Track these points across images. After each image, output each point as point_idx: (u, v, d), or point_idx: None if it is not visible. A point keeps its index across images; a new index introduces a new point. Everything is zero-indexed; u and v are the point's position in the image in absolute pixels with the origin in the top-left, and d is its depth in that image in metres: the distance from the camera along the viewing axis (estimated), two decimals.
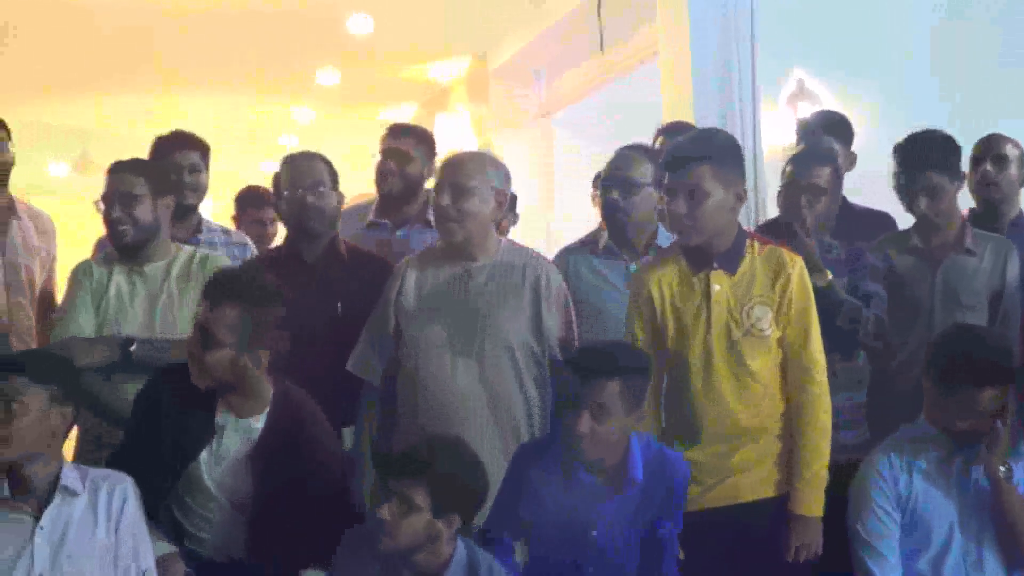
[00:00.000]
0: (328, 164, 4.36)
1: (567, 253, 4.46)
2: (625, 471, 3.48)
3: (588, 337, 4.07)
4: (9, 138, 4.79)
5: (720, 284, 3.65)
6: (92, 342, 3.87)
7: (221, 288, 3.45)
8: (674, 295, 3.69)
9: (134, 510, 3.37)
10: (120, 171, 4.03)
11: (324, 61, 9.78)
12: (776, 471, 3.68)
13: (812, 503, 3.63)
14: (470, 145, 9.65)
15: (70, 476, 3.31)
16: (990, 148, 4.65)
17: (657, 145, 4.71)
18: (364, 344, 4.07)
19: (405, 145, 5.00)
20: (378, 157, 4.98)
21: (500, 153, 8.08)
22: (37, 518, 3.26)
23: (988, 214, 4.63)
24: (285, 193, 4.29)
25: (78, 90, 10.19)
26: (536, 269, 4.02)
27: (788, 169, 4.26)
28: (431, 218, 4.34)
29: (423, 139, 5.12)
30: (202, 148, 4.83)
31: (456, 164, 3.98)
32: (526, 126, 9.03)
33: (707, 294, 3.65)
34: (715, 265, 3.65)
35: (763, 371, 3.66)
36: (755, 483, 3.67)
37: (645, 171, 4.25)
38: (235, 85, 10.26)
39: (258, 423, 3.49)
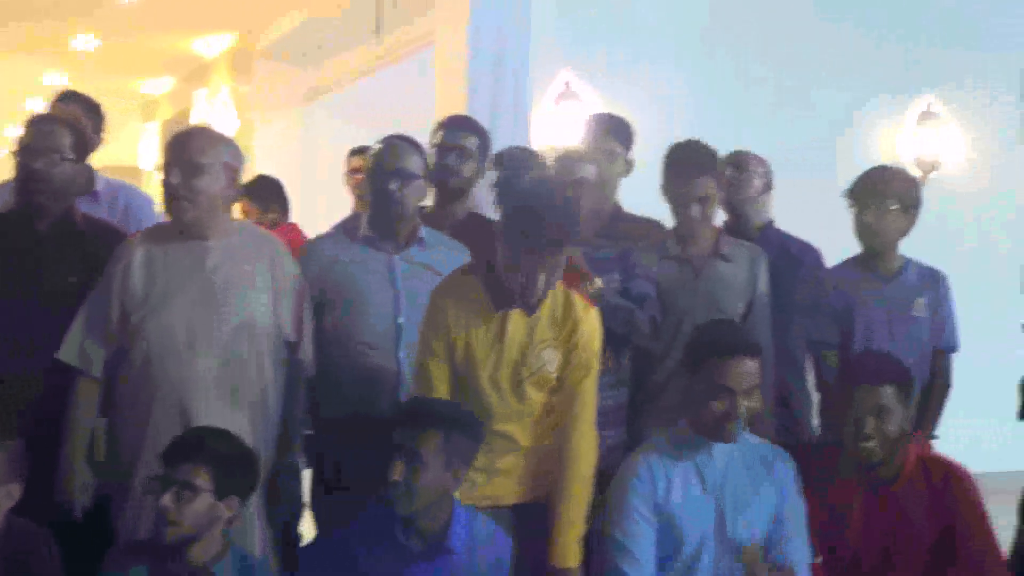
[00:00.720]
0: (74, 131, 4.06)
1: (322, 240, 4.29)
2: (444, 538, 3.40)
3: (349, 326, 4.00)
4: None
5: (516, 325, 3.58)
6: None
7: None
8: (469, 324, 3.60)
9: None
10: None
11: (82, 26, 9.35)
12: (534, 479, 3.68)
13: (571, 554, 3.60)
14: (231, 124, 9.41)
15: None
16: (734, 160, 4.75)
17: (438, 140, 4.56)
18: (80, 329, 3.79)
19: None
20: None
21: (261, 135, 7.88)
22: None
23: (738, 223, 4.77)
24: (17, 158, 3.99)
25: None
26: (271, 250, 3.91)
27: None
28: None
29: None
30: None
31: (185, 141, 3.78)
32: (292, 108, 8.83)
33: (502, 333, 3.59)
34: (515, 304, 3.58)
35: (543, 403, 3.66)
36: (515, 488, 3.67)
37: (417, 162, 4.13)
38: None
39: None
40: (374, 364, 3.96)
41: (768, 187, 4.81)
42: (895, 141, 8.56)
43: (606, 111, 5.11)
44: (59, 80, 11.01)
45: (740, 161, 4.76)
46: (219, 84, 9.86)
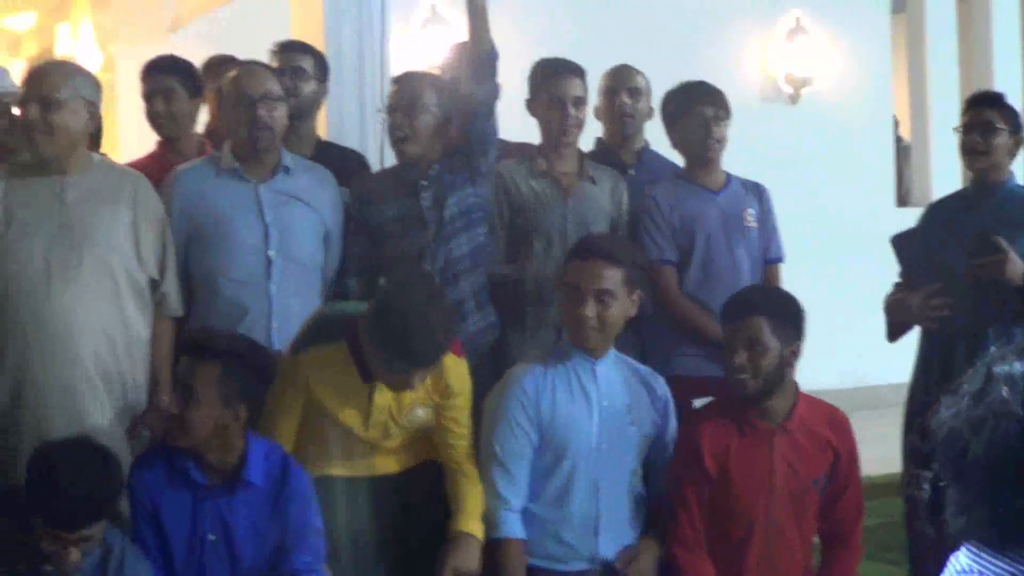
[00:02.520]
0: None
1: (186, 172, 4.10)
2: (241, 472, 3.37)
3: (217, 262, 3.93)
4: None
5: (383, 394, 3.50)
6: None
7: None
8: (335, 388, 3.50)
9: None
10: None
11: None
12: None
13: (476, 525, 3.57)
14: (94, 58, 9.14)
15: None
16: (623, 80, 4.72)
17: (275, 64, 4.42)
18: None
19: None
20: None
21: (126, 67, 7.67)
22: None
23: (617, 144, 4.76)
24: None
25: None
26: (133, 184, 3.83)
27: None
28: None
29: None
30: None
31: (42, 75, 3.72)
32: (155, 38, 8.57)
33: (369, 401, 3.50)
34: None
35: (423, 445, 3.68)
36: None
37: (278, 86, 4.02)
38: None
39: None
40: (245, 300, 3.89)
41: (652, 110, 4.76)
42: (766, 57, 8.60)
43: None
44: None
45: (633, 83, 4.71)
46: (80, 17, 9.55)
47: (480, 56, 3.97)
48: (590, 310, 3.51)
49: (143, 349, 3.77)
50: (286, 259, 3.97)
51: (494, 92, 4.03)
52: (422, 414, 3.57)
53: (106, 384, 3.66)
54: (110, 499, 3.18)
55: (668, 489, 3.66)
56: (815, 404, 3.70)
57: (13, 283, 3.63)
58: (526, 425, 3.57)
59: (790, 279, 4.41)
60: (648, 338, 4.31)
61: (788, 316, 3.61)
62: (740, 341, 3.53)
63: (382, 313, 3.31)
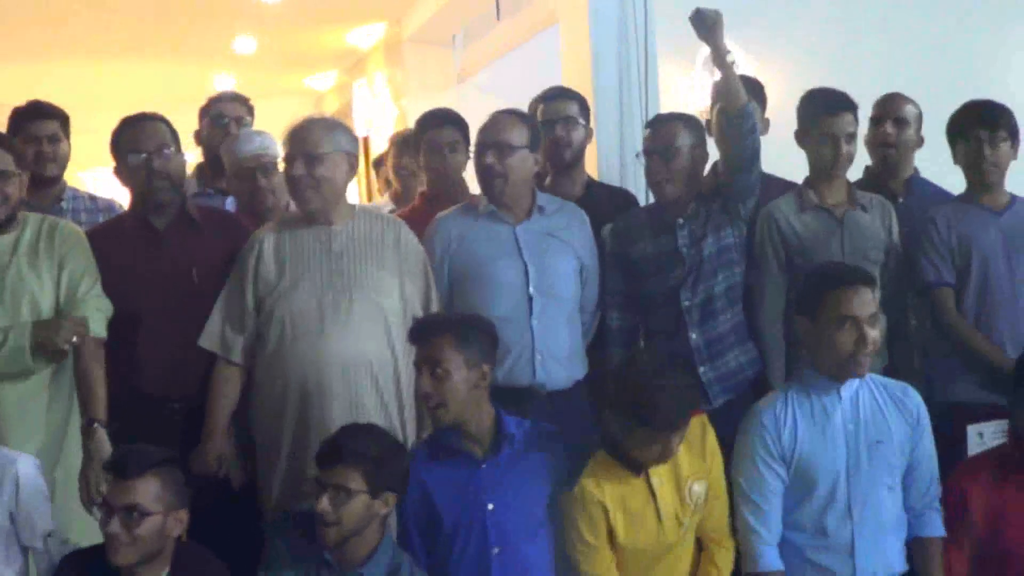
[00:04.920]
0: (169, 125, 4.18)
1: (446, 218, 4.29)
2: (500, 433, 3.52)
3: (480, 302, 4.03)
4: None
5: (661, 481, 3.54)
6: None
7: (135, 461, 3.28)
8: (621, 507, 3.53)
9: (27, 487, 3.39)
10: None
11: (239, 29, 9.62)
12: None
13: None
14: (389, 112, 9.58)
15: None
16: (890, 109, 4.66)
17: (540, 114, 4.59)
18: (218, 317, 3.97)
19: (225, 109, 5.01)
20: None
21: (414, 119, 8.00)
22: None
23: (885, 173, 4.68)
24: (128, 158, 4.10)
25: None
26: (395, 231, 4.02)
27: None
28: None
29: (245, 104, 5.14)
30: (61, 117, 4.68)
31: (305, 132, 3.91)
32: (441, 91, 8.94)
33: (652, 495, 3.53)
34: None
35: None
36: None
37: (520, 134, 4.13)
38: (156, 52, 10.11)
39: None
40: (509, 337, 3.95)
41: (921, 139, 4.71)
42: None
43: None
44: (227, 82, 11.32)
45: (900, 113, 4.65)
46: (375, 73, 10.02)
47: (736, 112, 4.00)
48: (868, 338, 3.50)
49: (409, 381, 3.91)
50: (545, 296, 4.09)
51: (756, 145, 4.07)
52: (699, 489, 3.58)
53: (384, 412, 3.85)
54: (372, 457, 3.31)
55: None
56: None
57: (289, 329, 3.85)
58: (771, 461, 3.59)
59: None
60: (927, 364, 4.25)
61: None
62: None
63: (621, 387, 3.40)
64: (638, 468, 3.50)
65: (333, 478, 3.29)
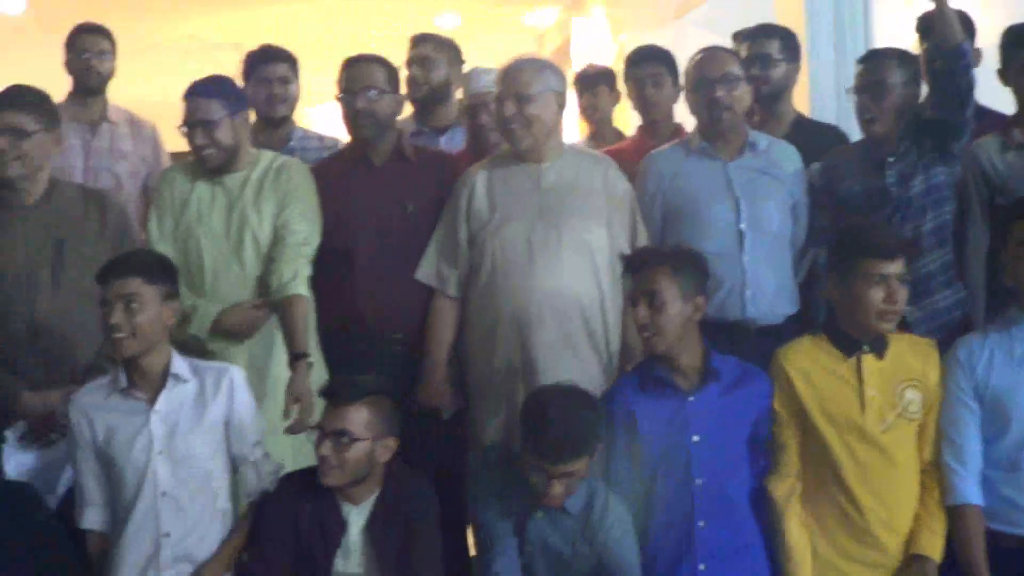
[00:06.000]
0: (385, 66, 4.33)
1: (657, 155, 4.37)
2: (707, 368, 3.58)
3: (691, 238, 4.05)
4: (113, 49, 5.09)
5: (872, 367, 3.59)
6: None
7: (347, 390, 3.48)
8: (821, 371, 3.62)
9: (241, 394, 3.60)
10: (195, 96, 4.03)
11: None
12: None
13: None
14: (608, 49, 9.59)
15: (179, 365, 3.55)
16: None
17: (744, 52, 4.62)
18: (433, 252, 4.14)
19: (425, 51, 5.08)
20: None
21: None
22: (152, 403, 3.51)
23: None
24: (341, 96, 4.29)
25: (232, 4, 10.36)
26: (603, 168, 4.13)
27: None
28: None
29: (444, 45, 5.19)
30: (290, 60, 4.90)
31: (515, 72, 4.04)
32: (660, 27, 8.91)
33: (859, 378, 3.59)
34: (864, 348, 3.60)
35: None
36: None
37: (739, 67, 4.22)
38: None
39: (370, 506, 3.51)
40: (720, 272, 3.98)
41: None
42: None
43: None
44: (451, 20, 11.50)
45: None
46: (593, 9, 10.02)
47: (950, 49, 3.94)
48: None
49: (616, 316, 4.04)
50: (756, 232, 4.13)
51: (970, 83, 4.00)
52: (911, 396, 3.60)
53: (591, 343, 3.98)
54: (590, 438, 3.39)
55: None
56: None
57: (499, 263, 4.00)
58: (964, 395, 3.58)
59: None
60: None
61: None
62: None
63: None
64: (852, 348, 3.56)
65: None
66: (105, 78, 5.12)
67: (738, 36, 4.75)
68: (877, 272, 3.50)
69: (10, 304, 3.87)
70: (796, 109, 4.79)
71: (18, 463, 3.80)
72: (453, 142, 4.99)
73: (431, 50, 5.14)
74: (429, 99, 5.06)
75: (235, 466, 3.59)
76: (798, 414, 3.61)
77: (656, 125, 4.86)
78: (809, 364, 3.62)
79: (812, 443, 3.61)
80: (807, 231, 4.28)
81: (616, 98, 5.40)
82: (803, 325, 4.09)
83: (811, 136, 4.54)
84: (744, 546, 3.60)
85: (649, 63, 4.88)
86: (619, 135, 5.35)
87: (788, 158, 4.27)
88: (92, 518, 3.57)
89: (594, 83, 5.41)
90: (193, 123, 3.99)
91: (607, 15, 9.75)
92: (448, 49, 5.21)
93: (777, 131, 4.50)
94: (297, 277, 3.93)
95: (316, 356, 3.99)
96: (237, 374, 3.62)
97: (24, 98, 3.97)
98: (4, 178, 3.90)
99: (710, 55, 4.24)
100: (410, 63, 5.06)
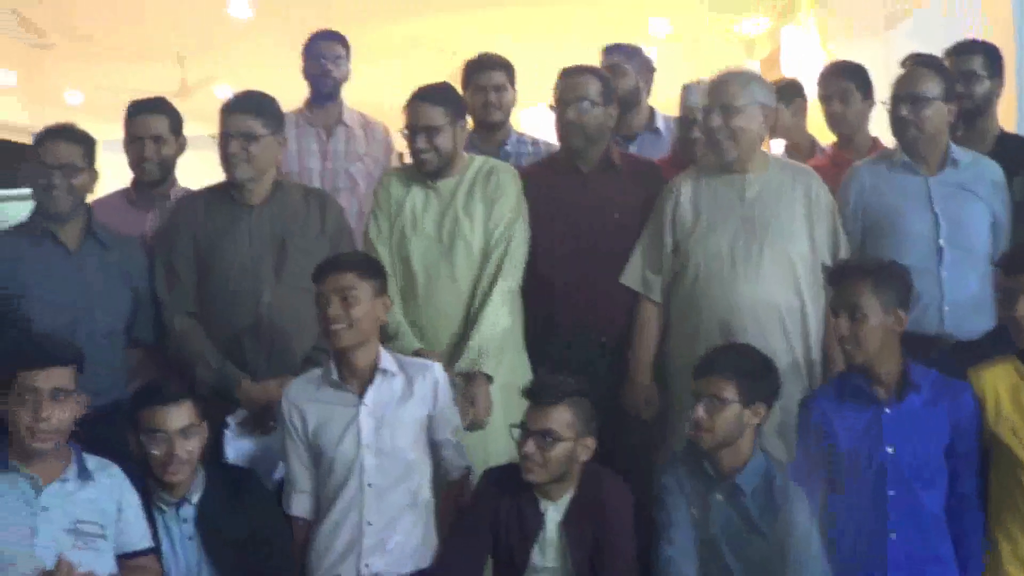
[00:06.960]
0: (600, 78, 4.43)
1: (861, 167, 4.43)
2: (906, 380, 3.62)
3: (889, 250, 4.10)
4: (348, 54, 5.35)
5: None
6: None
7: (551, 391, 3.60)
8: (1013, 400, 3.63)
9: (444, 392, 3.77)
10: (421, 101, 4.20)
11: None
12: None
13: None
14: (817, 57, 9.58)
15: (387, 360, 3.72)
16: None
17: (949, 67, 4.65)
18: (638, 258, 4.27)
19: (615, 60, 5.25)
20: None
21: None
22: (361, 396, 3.69)
23: None
24: (554, 106, 4.42)
25: (450, 7, 10.66)
26: (806, 181, 4.20)
27: None
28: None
29: (633, 54, 5.39)
30: (507, 68, 5.06)
31: (723, 85, 4.13)
32: (870, 36, 8.87)
33: None
34: None
35: None
36: None
37: (934, 85, 4.22)
38: None
39: (566, 503, 3.63)
40: (918, 286, 3.90)
41: None
42: None
43: None
44: (663, 28, 11.57)
45: None
46: (803, 18, 9.99)
47: None
48: None
49: (817, 326, 4.12)
50: (956, 247, 4.17)
51: None
52: None
53: (790, 352, 4.06)
54: (745, 371, 3.60)
55: None
56: None
57: (702, 272, 4.12)
58: None
59: None
60: None
61: None
62: None
63: None
64: None
65: (708, 388, 3.54)
66: (340, 83, 5.37)
67: (946, 52, 4.78)
68: None
69: (237, 297, 4.10)
70: (1000, 125, 4.80)
71: (237, 449, 3.99)
72: (641, 149, 5.14)
73: (621, 59, 5.28)
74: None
75: (434, 451, 3.77)
76: (986, 432, 3.64)
77: (848, 139, 4.94)
78: (1000, 384, 3.64)
79: (1002, 462, 3.63)
80: (1008, 246, 4.26)
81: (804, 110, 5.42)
82: (1003, 341, 4.02)
83: (1016, 152, 4.54)
84: (935, 558, 3.62)
85: (836, 79, 4.95)
86: (814, 146, 5.40)
87: (990, 174, 4.30)
88: (301, 506, 3.75)
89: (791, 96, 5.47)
90: (416, 128, 4.18)
91: (816, 24, 9.73)
92: (637, 58, 5.37)
93: (980, 147, 4.51)
94: (482, 355, 4.10)
95: (521, 356, 4.20)
96: (440, 372, 3.78)
97: (254, 103, 4.15)
98: (233, 179, 4.15)
99: (907, 73, 4.29)
100: None
